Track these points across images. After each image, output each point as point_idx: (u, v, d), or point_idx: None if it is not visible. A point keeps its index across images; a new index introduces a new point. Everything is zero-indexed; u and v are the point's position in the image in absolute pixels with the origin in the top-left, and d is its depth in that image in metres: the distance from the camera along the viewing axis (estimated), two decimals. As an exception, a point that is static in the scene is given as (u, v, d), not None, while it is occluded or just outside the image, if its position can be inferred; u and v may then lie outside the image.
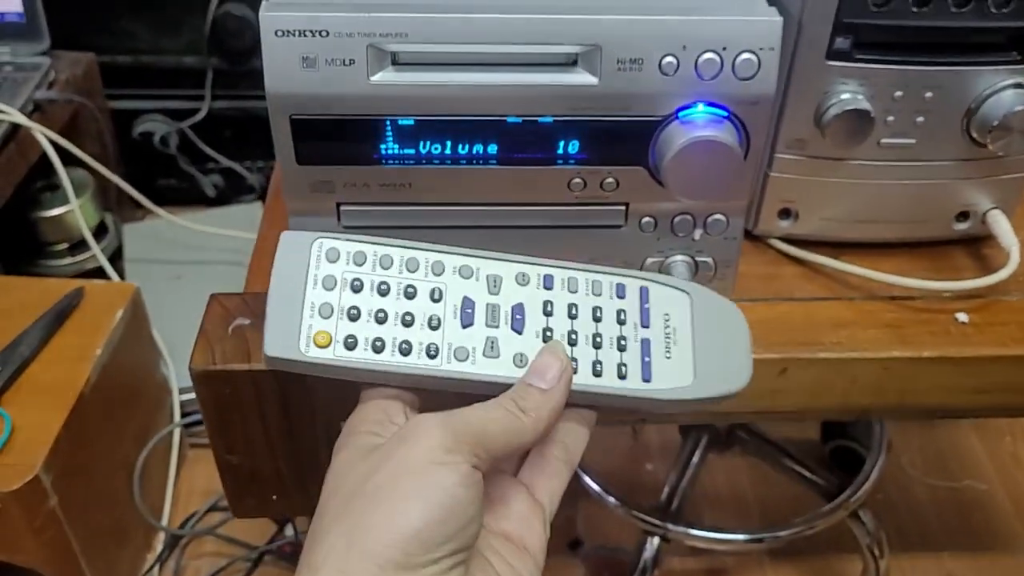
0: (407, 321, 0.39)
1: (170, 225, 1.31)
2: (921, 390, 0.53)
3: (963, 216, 0.57)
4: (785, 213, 0.57)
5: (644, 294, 0.42)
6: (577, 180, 0.48)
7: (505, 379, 0.39)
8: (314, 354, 0.38)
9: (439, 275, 0.40)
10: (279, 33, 0.42)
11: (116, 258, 1.32)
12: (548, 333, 0.40)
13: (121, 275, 1.30)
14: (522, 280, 0.41)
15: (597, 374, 0.40)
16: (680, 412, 0.43)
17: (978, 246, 0.59)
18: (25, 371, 0.88)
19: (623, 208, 0.49)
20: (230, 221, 1.35)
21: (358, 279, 0.39)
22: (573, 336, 0.40)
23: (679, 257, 0.51)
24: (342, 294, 0.39)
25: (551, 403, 0.37)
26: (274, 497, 0.55)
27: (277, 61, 0.43)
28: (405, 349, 0.38)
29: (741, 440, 1.10)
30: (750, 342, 0.42)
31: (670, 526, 1.00)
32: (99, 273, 1.23)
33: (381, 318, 0.38)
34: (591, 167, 0.47)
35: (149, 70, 1.40)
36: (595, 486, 1.04)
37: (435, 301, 0.39)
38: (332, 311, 0.38)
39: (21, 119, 1.07)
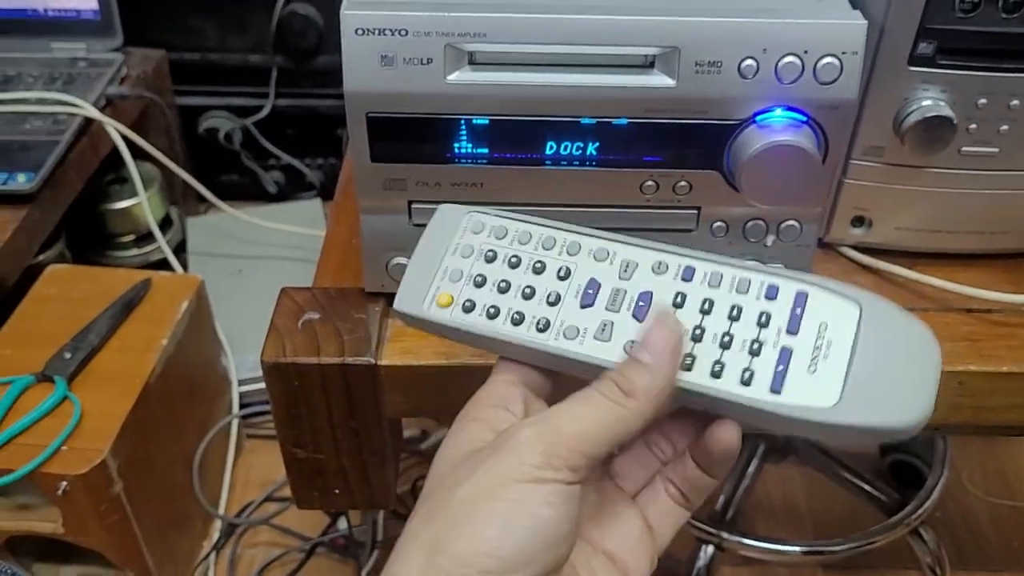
0: (527, 294, 0.39)
1: (231, 220, 1.33)
2: (998, 407, 0.52)
3: (1046, 228, 0.55)
4: (858, 221, 0.56)
5: (800, 299, 0.37)
6: (650, 183, 0.47)
7: (608, 365, 0.36)
8: (433, 313, 0.39)
9: (573, 255, 0.40)
10: (359, 31, 0.43)
11: (179, 251, 1.35)
12: None
13: (184, 268, 1.32)
14: (659, 268, 0.39)
15: (715, 375, 0.36)
16: (817, 437, 0.37)
17: (1060, 259, 0.57)
18: (94, 359, 0.91)
19: (695, 212, 0.49)
20: (290, 217, 1.37)
21: (493, 250, 0.40)
22: (698, 332, 0.37)
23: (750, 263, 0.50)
24: (475, 263, 0.40)
25: (659, 380, 0.34)
26: (337, 491, 0.55)
27: (356, 59, 0.43)
28: (517, 320, 0.38)
29: (797, 450, 1.08)
30: (937, 375, 0.35)
31: (725, 535, 0.98)
32: (163, 265, 1.26)
33: (503, 288, 0.39)
34: (664, 170, 0.47)
35: (216, 68, 1.43)
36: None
37: (561, 279, 0.39)
38: (461, 276, 0.40)
39: (94, 113, 1.09)
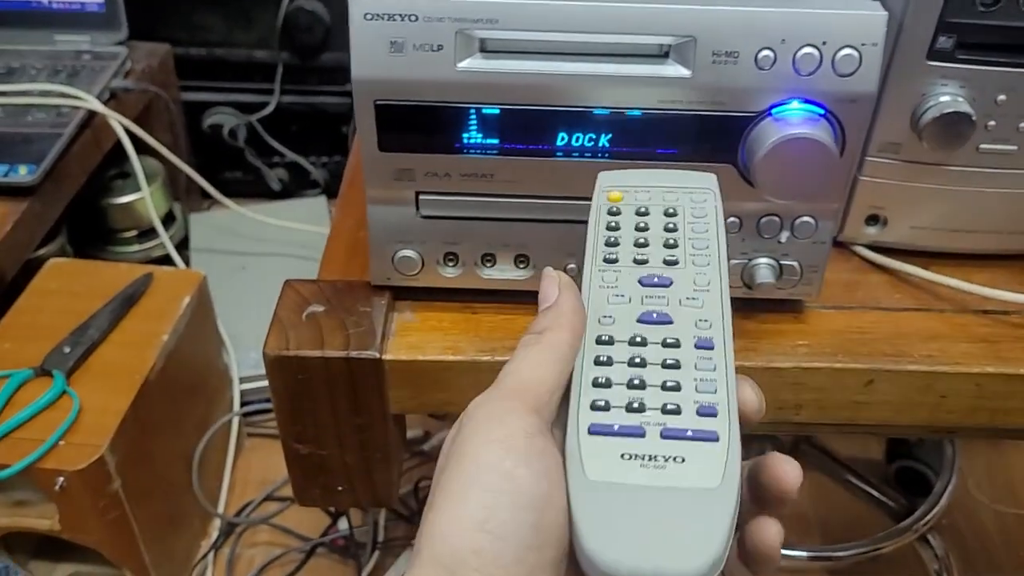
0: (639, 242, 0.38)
1: (234, 216, 1.32)
2: (1016, 409, 0.50)
3: (1065, 228, 0.54)
4: (873, 219, 0.55)
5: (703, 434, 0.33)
6: (663, 176, 0.46)
7: None
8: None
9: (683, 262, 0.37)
10: (368, 16, 0.42)
11: (181, 247, 1.34)
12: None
13: (186, 265, 1.31)
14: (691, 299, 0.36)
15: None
16: None
17: (1079, 260, 0.56)
18: (93, 353, 0.90)
19: (709, 207, 0.48)
20: (294, 215, 1.36)
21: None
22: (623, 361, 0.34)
23: (763, 260, 0.50)
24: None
25: (565, 309, 0.34)
26: (340, 488, 0.54)
27: (365, 45, 0.42)
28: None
29: (805, 454, 1.07)
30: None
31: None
32: (165, 261, 1.25)
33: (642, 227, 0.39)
34: (678, 163, 0.46)
35: (221, 63, 1.42)
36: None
37: (669, 260, 0.37)
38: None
39: (97, 106, 1.08)
